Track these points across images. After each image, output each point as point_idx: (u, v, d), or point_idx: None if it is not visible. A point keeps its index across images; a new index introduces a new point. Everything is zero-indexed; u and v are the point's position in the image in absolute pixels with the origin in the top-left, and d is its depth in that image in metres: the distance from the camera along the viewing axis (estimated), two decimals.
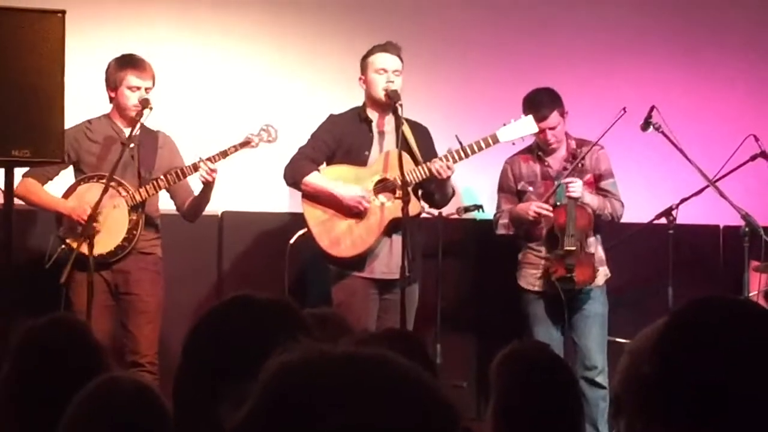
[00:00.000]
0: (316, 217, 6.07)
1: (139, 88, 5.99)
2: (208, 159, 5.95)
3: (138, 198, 5.96)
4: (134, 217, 5.98)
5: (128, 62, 6.02)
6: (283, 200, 6.93)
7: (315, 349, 1.30)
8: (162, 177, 5.99)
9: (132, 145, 5.97)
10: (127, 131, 6.04)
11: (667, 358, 1.79)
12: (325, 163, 6.16)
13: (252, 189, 6.92)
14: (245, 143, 6.08)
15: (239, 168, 6.46)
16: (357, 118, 6.16)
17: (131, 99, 5.99)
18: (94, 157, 6.04)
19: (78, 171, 6.08)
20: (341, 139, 6.12)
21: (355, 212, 6.01)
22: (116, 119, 6.08)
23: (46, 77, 5.32)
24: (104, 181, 5.88)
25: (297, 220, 6.35)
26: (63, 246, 5.86)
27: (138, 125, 5.96)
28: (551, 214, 6.28)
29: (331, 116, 6.20)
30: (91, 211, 5.76)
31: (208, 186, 5.98)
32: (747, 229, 6.43)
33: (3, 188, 5.31)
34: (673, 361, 1.78)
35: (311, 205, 6.09)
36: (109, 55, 6.68)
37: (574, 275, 6.23)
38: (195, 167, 5.95)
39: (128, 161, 6.02)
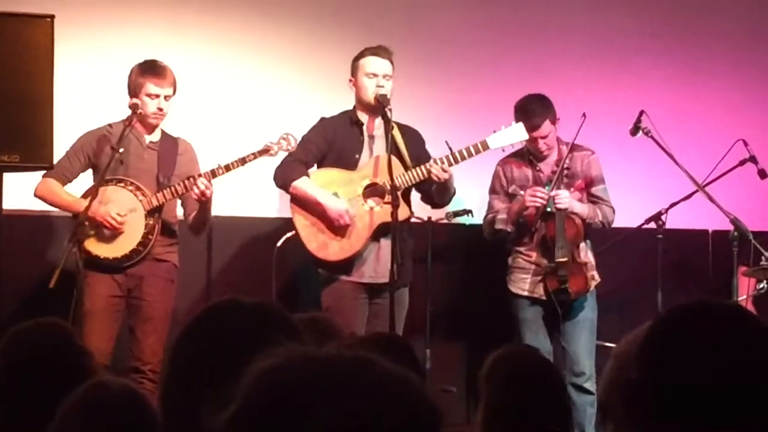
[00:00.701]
0: (304, 220, 6.07)
1: (158, 96, 5.96)
2: (227, 166, 5.93)
3: (155, 202, 5.94)
4: (150, 222, 5.95)
5: (148, 69, 5.99)
6: (273, 205, 6.93)
7: (297, 352, 1.30)
8: (179, 183, 5.96)
9: (121, 150, 5.94)
10: (147, 138, 6.06)
11: (652, 362, 1.79)
12: (315, 166, 6.16)
13: (242, 193, 6.91)
14: (264, 151, 6.04)
15: (229, 173, 6.44)
16: (348, 121, 6.16)
17: (150, 106, 5.96)
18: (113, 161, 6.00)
19: (97, 174, 6.03)
20: (332, 142, 6.12)
21: (337, 225, 6.01)
22: (136, 125, 6.04)
23: (35, 82, 5.32)
24: (122, 185, 5.89)
25: (287, 224, 6.34)
26: (75, 249, 5.82)
27: (127, 129, 5.92)
28: (546, 196, 6.22)
29: (322, 119, 6.20)
30: (81, 215, 5.75)
31: (202, 204, 5.96)
32: (736, 234, 6.43)
33: None
34: (659, 366, 1.78)
35: (300, 208, 6.09)
36: (100, 60, 6.67)
37: (567, 286, 6.22)
38: (191, 186, 5.90)
39: (149, 166, 6.02)
